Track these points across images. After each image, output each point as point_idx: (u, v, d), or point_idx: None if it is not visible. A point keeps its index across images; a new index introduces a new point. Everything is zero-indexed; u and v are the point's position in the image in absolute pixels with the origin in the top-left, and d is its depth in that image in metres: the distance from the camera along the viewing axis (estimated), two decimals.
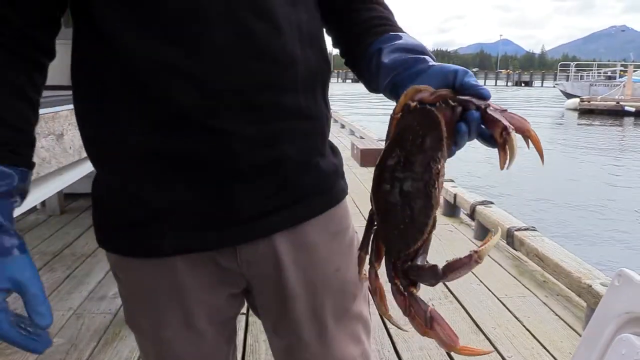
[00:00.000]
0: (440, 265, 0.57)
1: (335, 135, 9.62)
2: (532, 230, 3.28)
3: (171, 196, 0.72)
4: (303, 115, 0.74)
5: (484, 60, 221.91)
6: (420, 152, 0.60)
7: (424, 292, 0.59)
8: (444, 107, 0.60)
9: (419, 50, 0.70)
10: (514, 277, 3.03)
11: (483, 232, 3.70)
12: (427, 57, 0.68)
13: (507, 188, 7.98)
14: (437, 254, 3.50)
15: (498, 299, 2.74)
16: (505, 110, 0.60)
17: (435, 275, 0.58)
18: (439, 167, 0.59)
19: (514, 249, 3.30)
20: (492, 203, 3.91)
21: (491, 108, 0.60)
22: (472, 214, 3.91)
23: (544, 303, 2.70)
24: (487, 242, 0.54)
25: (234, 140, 0.69)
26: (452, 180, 4.73)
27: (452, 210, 4.32)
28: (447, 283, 3.05)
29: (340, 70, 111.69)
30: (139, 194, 0.73)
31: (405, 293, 0.61)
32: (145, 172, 0.71)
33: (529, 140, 0.59)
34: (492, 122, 0.58)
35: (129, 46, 0.67)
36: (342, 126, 11.51)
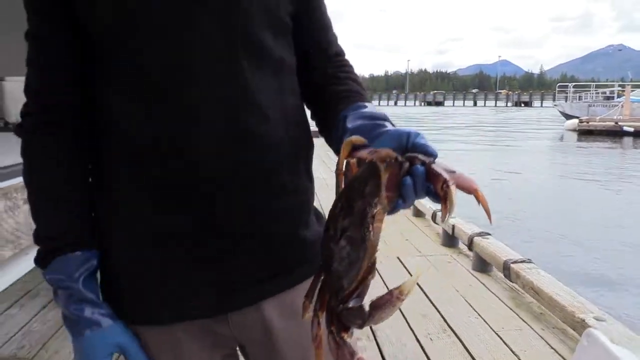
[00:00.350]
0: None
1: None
2: (528, 262, 3.35)
3: (167, 270, 0.82)
4: (287, 192, 0.84)
5: (483, 81, 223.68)
6: (359, 199, 0.64)
7: (421, 325, 0.64)
8: (393, 163, 0.65)
9: (381, 117, 0.79)
10: (511, 310, 3.10)
11: (481, 263, 3.77)
12: (386, 123, 0.77)
13: (505, 218, 8.02)
14: (436, 285, 3.57)
15: (495, 332, 2.81)
16: (454, 172, 0.64)
17: (361, 316, 0.60)
18: (375, 211, 0.63)
19: (511, 281, 3.37)
20: (489, 234, 3.99)
21: (435, 164, 0.65)
22: (470, 245, 3.99)
23: (541, 336, 2.76)
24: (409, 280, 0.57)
25: (224, 216, 0.79)
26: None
27: (451, 240, 4.39)
28: (445, 316, 3.14)
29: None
30: (139, 269, 0.83)
31: (338, 339, 0.63)
32: (143, 247, 0.82)
33: (479, 201, 0.62)
34: (435, 176, 0.63)
35: (133, 133, 0.78)
36: None
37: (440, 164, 0.66)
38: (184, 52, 0.78)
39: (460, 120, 39.19)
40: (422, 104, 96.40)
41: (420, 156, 0.66)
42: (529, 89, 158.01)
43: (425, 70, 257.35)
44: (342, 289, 0.63)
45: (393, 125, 0.78)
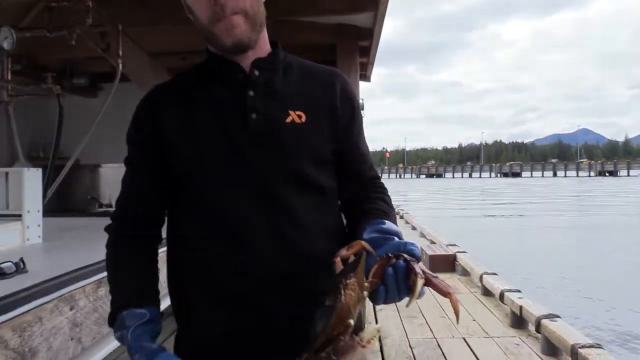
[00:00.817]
0: None
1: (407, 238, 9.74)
2: (597, 347, 3.26)
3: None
4: (324, 293, 1.05)
5: (563, 150, 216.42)
6: (341, 275, 0.84)
7: None
8: (384, 258, 0.89)
9: (392, 233, 1.01)
10: None
11: (550, 347, 3.68)
12: (395, 238, 1.00)
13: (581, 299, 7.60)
14: None
15: None
16: (436, 276, 0.86)
17: None
18: (348, 282, 0.81)
19: None
20: (557, 317, 3.91)
21: (417, 263, 0.87)
22: (537, 328, 3.91)
23: None
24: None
25: (272, 318, 1.03)
26: (518, 291, 4.75)
27: (519, 322, 4.32)
28: None
29: (414, 166, 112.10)
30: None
31: None
32: (209, 337, 1.07)
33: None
34: (410, 270, 0.86)
35: (201, 248, 1.07)
36: (413, 228, 11.65)
37: (422, 266, 0.88)
38: (240, 185, 1.06)
39: (538, 191, 37.77)
40: (498, 175, 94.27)
41: (405, 255, 0.89)
42: (613, 157, 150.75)
43: (500, 141, 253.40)
44: (315, 337, 0.78)
45: (401, 239, 0.99)
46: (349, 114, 1.17)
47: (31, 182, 2.32)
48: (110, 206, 5.88)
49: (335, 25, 4.25)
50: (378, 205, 1.13)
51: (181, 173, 1.09)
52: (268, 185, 1.06)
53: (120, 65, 2.69)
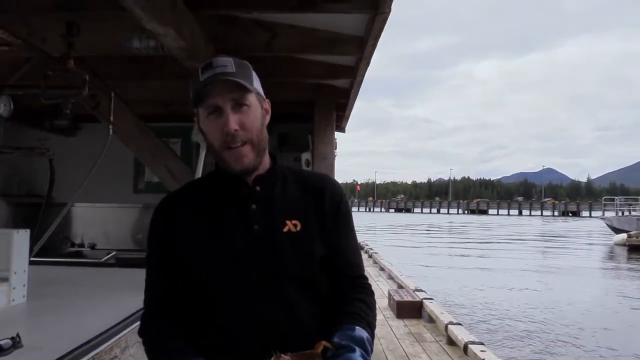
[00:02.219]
0: None
1: (374, 279, 9.91)
2: None
3: None
4: None
5: (528, 189, 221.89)
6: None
7: None
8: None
9: (358, 341, 1.18)
10: None
11: None
12: (356, 348, 1.16)
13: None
14: None
15: None
16: None
17: None
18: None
19: None
20: None
21: None
22: None
23: None
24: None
25: None
26: (482, 344, 4.94)
27: None
28: None
29: (384, 200, 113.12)
30: None
31: None
32: None
33: None
34: None
35: (208, 337, 1.22)
36: (381, 269, 11.81)
37: None
38: (243, 287, 1.24)
39: (504, 232, 38.54)
40: (466, 212, 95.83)
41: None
42: (576, 197, 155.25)
43: (468, 177, 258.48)
44: None
45: (365, 349, 1.17)
46: (334, 215, 1.35)
47: (19, 243, 2.40)
48: (82, 245, 5.88)
49: (314, 85, 4.49)
50: (355, 309, 1.27)
51: (191, 276, 1.27)
52: (268, 288, 1.24)
53: (111, 130, 2.82)
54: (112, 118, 2.78)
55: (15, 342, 1.63)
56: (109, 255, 5.17)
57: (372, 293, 1.34)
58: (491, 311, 10.20)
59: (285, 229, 1.28)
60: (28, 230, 2.46)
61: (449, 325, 5.66)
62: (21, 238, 2.41)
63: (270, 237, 1.27)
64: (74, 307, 2.30)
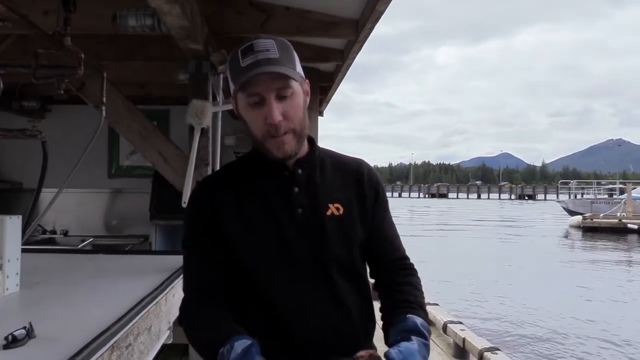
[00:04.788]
0: None
1: None
2: None
3: None
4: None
5: (486, 173, 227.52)
6: None
7: None
8: None
9: (414, 331, 1.17)
10: None
11: None
12: (412, 337, 1.15)
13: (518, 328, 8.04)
14: None
15: None
16: None
17: None
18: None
19: None
20: (498, 350, 4.22)
21: None
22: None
23: None
24: None
25: None
26: (460, 323, 5.06)
27: (462, 354, 4.61)
28: None
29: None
30: None
31: None
32: None
33: None
34: None
35: (256, 324, 1.20)
36: None
37: None
38: (290, 272, 1.23)
39: (466, 218, 39.44)
40: (427, 195, 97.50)
41: None
42: (531, 181, 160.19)
43: (428, 162, 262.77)
44: None
45: (420, 335, 1.17)
46: (373, 199, 1.35)
47: (12, 229, 2.29)
48: (55, 232, 5.68)
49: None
50: (404, 294, 1.28)
51: (238, 260, 1.24)
52: (314, 272, 1.24)
53: (104, 112, 2.71)
54: (104, 99, 2.67)
55: (29, 332, 1.57)
56: (85, 242, 5.03)
57: (416, 272, 1.35)
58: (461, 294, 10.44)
59: (329, 213, 1.28)
60: (20, 217, 2.35)
61: (427, 306, 5.78)
62: (13, 224, 2.30)
63: (316, 221, 1.26)
64: (70, 296, 2.23)
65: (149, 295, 2.13)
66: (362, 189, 1.34)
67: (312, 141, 1.36)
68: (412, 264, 1.37)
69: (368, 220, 1.32)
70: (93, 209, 5.72)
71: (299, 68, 1.28)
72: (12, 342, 1.51)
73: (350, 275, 1.28)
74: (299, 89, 1.26)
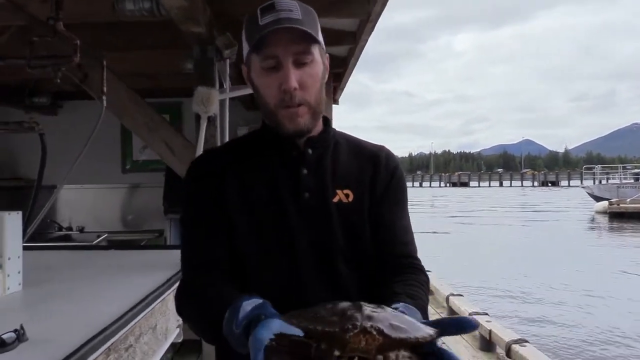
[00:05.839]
0: None
1: None
2: None
3: None
4: None
5: (508, 160, 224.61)
6: None
7: None
8: None
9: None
10: None
11: None
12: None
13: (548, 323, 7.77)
14: None
15: None
16: None
17: None
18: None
19: None
20: (526, 342, 4.04)
21: None
22: (508, 353, 4.03)
23: None
24: None
25: None
26: (486, 314, 4.88)
27: (488, 346, 4.44)
28: None
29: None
30: None
31: None
32: None
33: None
34: None
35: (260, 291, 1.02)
36: None
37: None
38: (295, 266, 1.10)
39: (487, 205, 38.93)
40: (447, 184, 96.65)
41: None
42: (554, 168, 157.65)
43: (449, 151, 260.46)
44: None
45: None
46: (385, 184, 1.19)
47: (12, 226, 2.20)
48: (71, 229, 5.65)
49: None
50: (401, 288, 1.06)
51: (238, 241, 1.12)
52: (317, 265, 1.10)
53: (105, 102, 2.60)
54: (105, 89, 2.56)
55: (20, 335, 1.46)
56: (100, 238, 4.97)
57: (425, 273, 1.17)
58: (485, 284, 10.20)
59: (335, 199, 1.14)
60: (20, 213, 2.26)
61: (450, 297, 5.61)
62: (13, 221, 2.21)
63: (321, 208, 1.13)
64: (76, 293, 2.12)
65: (153, 292, 2.01)
66: (378, 174, 1.20)
67: (326, 121, 1.23)
68: (422, 266, 1.18)
69: (374, 207, 1.18)
70: (108, 204, 5.67)
71: (321, 38, 1.14)
72: (1, 346, 1.41)
73: (358, 271, 1.14)
74: (319, 59, 1.14)
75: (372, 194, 1.17)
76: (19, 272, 2.20)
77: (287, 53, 1.07)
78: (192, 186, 1.18)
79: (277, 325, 0.82)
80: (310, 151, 1.17)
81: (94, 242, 4.87)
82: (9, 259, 2.15)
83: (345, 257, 1.13)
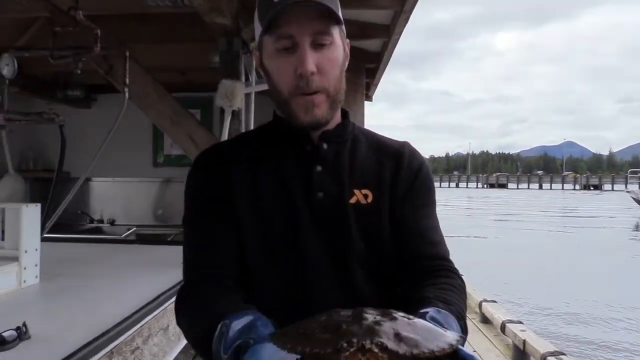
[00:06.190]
0: None
1: None
2: None
3: None
4: None
5: (548, 162, 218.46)
6: None
7: None
8: None
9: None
10: None
11: None
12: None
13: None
14: None
15: None
16: None
17: None
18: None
19: None
20: (563, 354, 3.83)
21: None
22: None
23: None
24: None
25: None
26: (520, 322, 4.67)
27: (522, 356, 4.24)
28: None
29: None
30: None
31: None
32: None
33: None
34: None
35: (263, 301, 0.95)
36: None
37: None
38: (303, 278, 0.99)
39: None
40: (485, 185, 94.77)
41: None
42: (597, 171, 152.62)
43: (487, 151, 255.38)
44: None
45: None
46: (408, 185, 1.07)
47: (30, 219, 2.17)
48: (102, 221, 5.70)
49: None
50: (434, 292, 0.94)
51: (244, 243, 1.02)
52: (330, 274, 0.99)
53: (127, 94, 2.56)
54: (127, 80, 2.51)
55: (21, 333, 1.41)
56: (129, 232, 4.99)
57: (459, 276, 1.03)
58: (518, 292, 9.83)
59: (353, 200, 1.02)
60: (39, 205, 2.23)
61: (483, 303, 5.41)
62: (31, 213, 2.18)
63: (337, 209, 1.01)
64: (91, 289, 2.08)
65: (166, 292, 1.94)
66: (400, 173, 1.07)
67: (345, 114, 1.11)
68: (455, 268, 1.04)
69: (396, 207, 1.05)
70: (139, 198, 5.70)
71: (342, 19, 1.02)
72: (0, 344, 1.36)
73: (378, 280, 1.02)
74: (340, 42, 1.03)
75: (394, 195, 1.05)
76: (36, 265, 2.17)
77: (304, 32, 0.96)
78: (195, 182, 1.09)
79: (266, 354, 0.72)
80: (325, 146, 1.05)
81: (123, 235, 4.89)
82: (26, 251, 2.12)
83: (363, 264, 1.01)
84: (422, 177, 1.09)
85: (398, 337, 0.66)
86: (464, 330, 0.91)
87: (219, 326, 0.82)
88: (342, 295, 0.99)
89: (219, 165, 1.07)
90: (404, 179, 1.07)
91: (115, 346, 1.42)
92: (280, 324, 0.84)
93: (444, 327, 0.80)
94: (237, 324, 0.81)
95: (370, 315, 0.69)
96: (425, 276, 0.99)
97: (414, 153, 1.12)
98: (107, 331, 1.41)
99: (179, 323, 1.01)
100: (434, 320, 0.82)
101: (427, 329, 0.71)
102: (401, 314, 0.72)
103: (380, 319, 0.68)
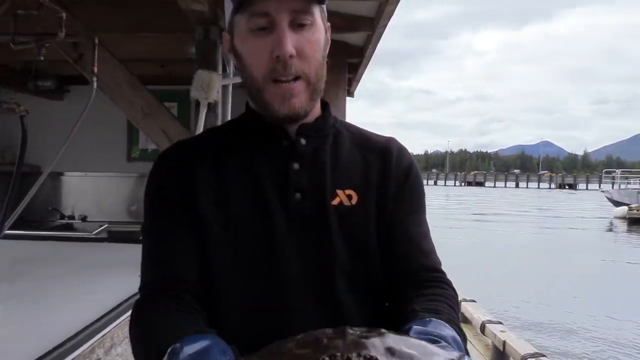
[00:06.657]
0: None
1: None
2: None
3: None
4: None
5: (525, 161, 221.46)
6: None
7: None
8: None
9: (439, 337, 0.74)
10: None
11: None
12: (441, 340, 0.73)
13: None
14: None
15: None
16: None
17: None
18: None
19: None
20: (543, 356, 3.79)
21: None
22: None
23: None
24: None
25: None
26: (500, 323, 4.63)
27: (501, 357, 4.19)
28: None
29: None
30: None
31: None
32: None
33: None
34: None
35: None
36: None
37: None
38: (279, 292, 0.87)
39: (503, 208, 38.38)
40: (463, 184, 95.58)
41: None
42: (572, 170, 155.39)
43: (465, 150, 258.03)
44: None
45: (453, 346, 0.73)
46: (398, 185, 0.96)
47: None
48: (73, 217, 5.49)
49: None
50: (425, 303, 0.85)
51: (210, 253, 0.89)
52: (310, 287, 0.88)
53: (95, 83, 2.40)
54: (96, 69, 2.36)
55: None
56: (101, 228, 4.80)
57: (451, 288, 0.93)
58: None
59: (335, 202, 0.91)
60: None
61: (463, 302, 5.36)
62: None
63: (317, 213, 0.90)
64: (50, 294, 1.93)
65: (133, 297, 1.81)
66: (389, 171, 0.96)
67: (325, 106, 1.00)
68: (448, 280, 0.94)
69: (385, 212, 0.94)
70: (112, 194, 5.52)
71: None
72: None
73: (364, 292, 0.91)
74: (321, 24, 0.92)
75: (381, 196, 0.95)
76: None
77: (282, 9, 0.85)
78: (155, 182, 0.96)
79: None
80: (303, 141, 0.94)
81: (94, 232, 4.71)
82: None
83: (347, 274, 0.90)
84: (412, 179, 0.99)
85: (390, 351, 0.57)
86: (462, 337, 0.81)
87: (169, 350, 0.71)
88: (322, 310, 0.87)
89: (183, 163, 0.94)
90: (393, 179, 0.97)
91: (72, 359, 1.28)
92: (246, 350, 0.72)
93: (435, 336, 0.73)
94: (189, 349, 0.70)
95: (355, 332, 0.61)
96: (415, 288, 0.90)
97: (402, 150, 1.01)
98: (63, 343, 1.27)
99: (131, 341, 0.88)
100: (423, 333, 0.74)
101: (421, 345, 0.64)
102: (392, 332, 0.64)
103: (368, 334, 0.60)
